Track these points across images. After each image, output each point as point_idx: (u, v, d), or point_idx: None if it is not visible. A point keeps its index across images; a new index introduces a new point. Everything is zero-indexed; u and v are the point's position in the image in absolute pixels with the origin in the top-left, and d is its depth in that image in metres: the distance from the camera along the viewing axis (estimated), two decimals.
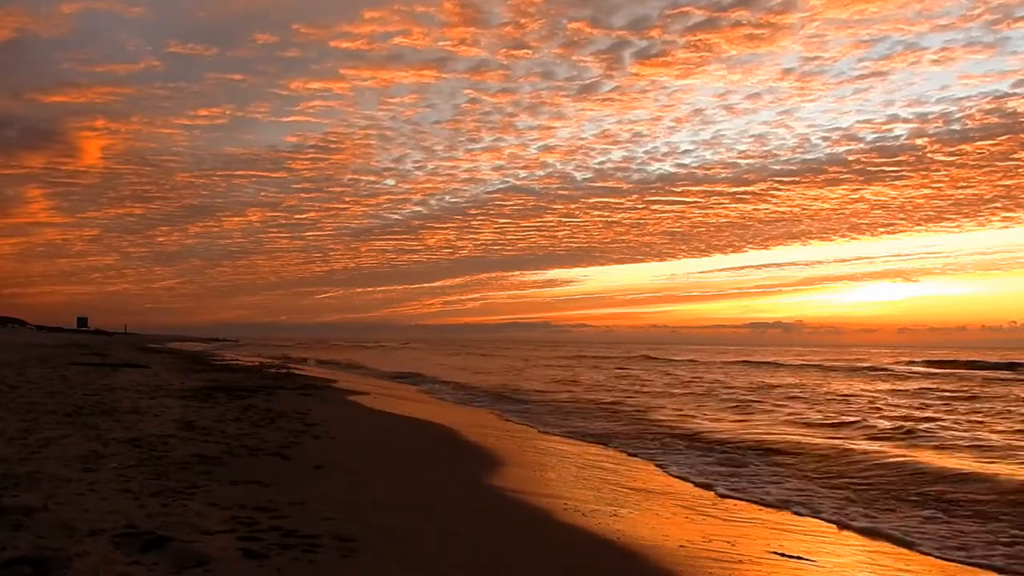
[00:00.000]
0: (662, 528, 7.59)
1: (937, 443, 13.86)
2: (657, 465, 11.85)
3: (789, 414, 19.34)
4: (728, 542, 7.10)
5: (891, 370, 43.79)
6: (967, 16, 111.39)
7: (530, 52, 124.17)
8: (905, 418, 17.95)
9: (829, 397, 24.87)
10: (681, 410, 20.23)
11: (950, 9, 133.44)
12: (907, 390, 28.33)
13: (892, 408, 20.85)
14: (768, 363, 52.45)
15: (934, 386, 29.81)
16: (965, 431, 15.61)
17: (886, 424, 16.69)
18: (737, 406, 21.56)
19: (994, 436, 14.69)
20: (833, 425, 16.89)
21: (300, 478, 8.44)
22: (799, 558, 6.67)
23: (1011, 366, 45.24)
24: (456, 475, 10.04)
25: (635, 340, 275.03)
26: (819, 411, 20.02)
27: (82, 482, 7.11)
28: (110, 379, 20.98)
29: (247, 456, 9.56)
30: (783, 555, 6.74)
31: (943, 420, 17.74)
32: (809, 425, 16.99)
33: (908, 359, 62.40)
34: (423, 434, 14.39)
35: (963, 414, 19.35)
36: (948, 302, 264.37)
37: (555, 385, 30.06)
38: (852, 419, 17.74)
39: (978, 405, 21.60)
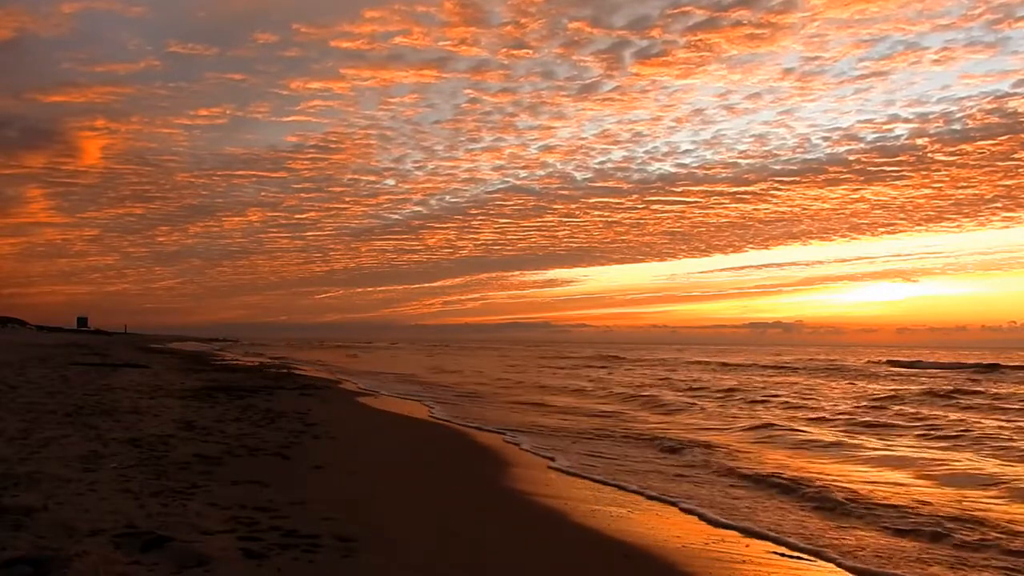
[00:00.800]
0: (663, 527, 7.59)
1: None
2: (506, 441, 13.58)
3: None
4: (731, 542, 7.10)
5: (857, 370, 44.40)
6: (968, 16, 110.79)
7: (530, 52, 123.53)
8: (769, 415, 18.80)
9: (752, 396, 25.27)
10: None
11: (951, 9, 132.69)
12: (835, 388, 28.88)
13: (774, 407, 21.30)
14: (726, 364, 52.66)
15: (878, 387, 29.95)
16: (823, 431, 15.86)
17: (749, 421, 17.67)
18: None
19: (848, 439, 14.71)
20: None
21: (300, 478, 8.44)
22: (799, 558, 6.68)
23: (988, 367, 44.63)
24: (456, 475, 10.05)
25: (635, 340, 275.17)
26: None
27: (82, 482, 7.11)
28: (110, 379, 20.98)
29: (247, 456, 9.56)
30: (783, 555, 6.75)
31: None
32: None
33: (875, 359, 62.51)
34: (424, 434, 14.40)
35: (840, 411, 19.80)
36: (948, 302, 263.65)
37: (497, 382, 31.72)
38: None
39: (901, 407, 21.33)
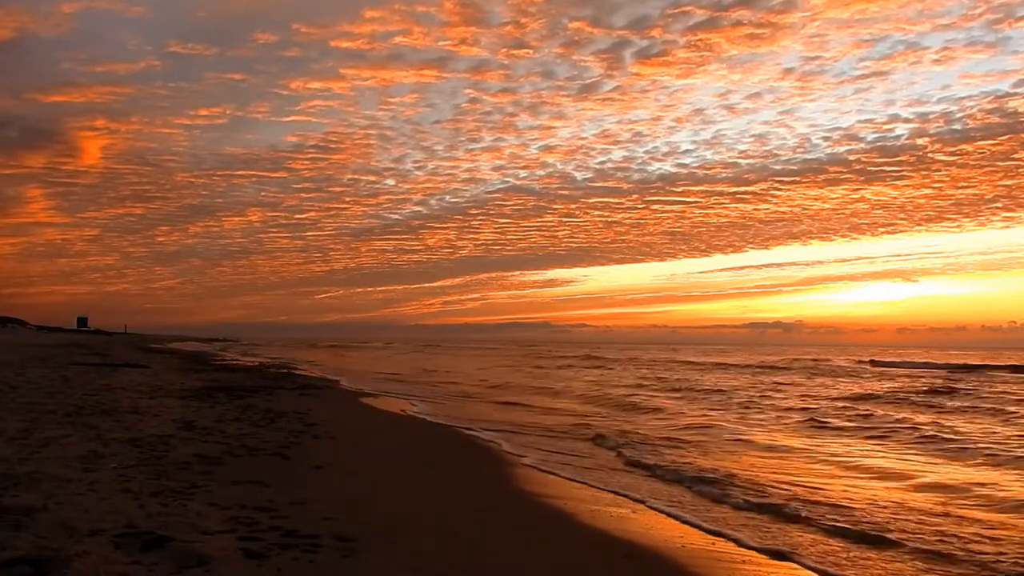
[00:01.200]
0: (663, 527, 7.60)
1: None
2: (493, 440, 13.67)
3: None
4: (729, 541, 7.11)
5: (841, 369, 45.08)
6: (968, 16, 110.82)
7: (531, 52, 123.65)
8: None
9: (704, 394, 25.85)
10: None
11: (951, 8, 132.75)
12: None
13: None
14: (699, 363, 53.29)
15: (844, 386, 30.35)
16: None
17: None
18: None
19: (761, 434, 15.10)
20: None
21: (300, 478, 8.44)
22: (799, 559, 6.68)
23: (972, 367, 44.53)
24: (454, 474, 10.05)
25: (635, 340, 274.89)
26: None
27: (82, 482, 7.11)
28: (110, 379, 20.98)
29: (247, 456, 9.56)
30: (782, 555, 6.75)
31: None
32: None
33: (863, 359, 62.98)
34: (422, 434, 14.41)
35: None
36: (948, 302, 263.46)
37: (487, 382, 32.19)
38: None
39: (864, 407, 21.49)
